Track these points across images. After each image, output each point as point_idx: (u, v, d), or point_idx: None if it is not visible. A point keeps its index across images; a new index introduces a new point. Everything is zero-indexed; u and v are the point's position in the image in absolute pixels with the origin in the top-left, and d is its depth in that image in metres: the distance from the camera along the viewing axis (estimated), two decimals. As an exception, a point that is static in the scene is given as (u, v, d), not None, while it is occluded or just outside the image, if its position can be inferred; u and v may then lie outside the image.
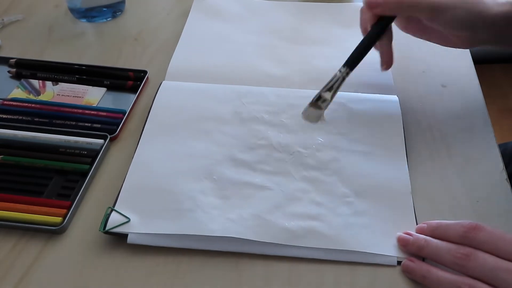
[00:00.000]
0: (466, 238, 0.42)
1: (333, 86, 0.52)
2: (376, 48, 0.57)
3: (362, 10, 0.56)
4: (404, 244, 0.45)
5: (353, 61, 0.53)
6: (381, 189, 0.50)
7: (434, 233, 0.44)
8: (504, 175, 0.52)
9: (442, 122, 0.57)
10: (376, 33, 0.54)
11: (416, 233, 0.45)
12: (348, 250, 0.45)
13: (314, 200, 0.48)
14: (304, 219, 0.47)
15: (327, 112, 0.54)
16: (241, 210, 0.47)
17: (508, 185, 0.51)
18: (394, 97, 0.59)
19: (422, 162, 0.53)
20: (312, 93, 0.59)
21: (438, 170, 0.52)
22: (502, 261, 0.40)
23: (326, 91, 0.52)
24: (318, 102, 0.53)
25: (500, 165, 0.53)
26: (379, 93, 0.60)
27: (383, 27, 0.54)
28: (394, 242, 0.45)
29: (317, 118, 0.54)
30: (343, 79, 0.52)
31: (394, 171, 0.51)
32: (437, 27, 0.53)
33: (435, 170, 0.52)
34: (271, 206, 0.48)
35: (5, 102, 0.58)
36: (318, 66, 0.65)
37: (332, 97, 0.52)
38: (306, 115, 0.53)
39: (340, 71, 0.52)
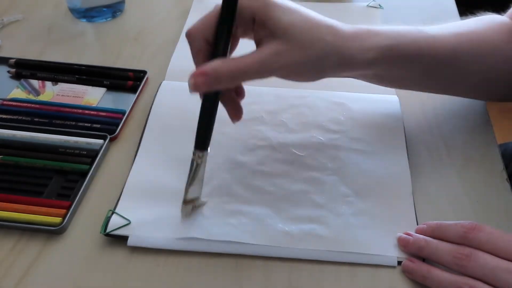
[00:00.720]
0: (466, 239, 0.42)
1: (194, 177, 0.46)
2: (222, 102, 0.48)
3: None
4: (404, 245, 0.44)
5: (202, 142, 0.45)
6: (382, 189, 0.50)
7: (434, 233, 0.44)
8: (504, 175, 0.52)
9: (442, 122, 0.57)
10: (212, 105, 0.45)
11: (416, 233, 0.45)
12: (348, 251, 0.44)
13: (314, 202, 0.48)
14: (304, 222, 0.47)
15: (327, 115, 0.54)
16: (240, 214, 0.47)
17: (508, 185, 0.51)
18: (394, 97, 0.59)
19: (422, 162, 0.53)
20: (312, 93, 0.60)
21: (438, 170, 0.52)
22: (503, 261, 0.40)
23: (190, 187, 0.46)
24: (191, 203, 0.46)
25: (500, 165, 0.52)
26: (379, 93, 0.60)
27: (215, 97, 0.46)
28: (394, 242, 0.45)
29: (191, 211, 0.47)
30: (200, 163, 0.45)
31: (394, 170, 0.51)
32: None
33: (435, 170, 0.52)
34: (271, 209, 0.47)
35: (4, 102, 0.58)
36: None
37: (200, 185, 0.46)
38: (186, 214, 0.47)
39: (194, 155, 0.45)
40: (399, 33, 0.49)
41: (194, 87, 0.43)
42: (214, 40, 0.44)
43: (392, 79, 0.53)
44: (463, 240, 0.42)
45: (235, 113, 0.49)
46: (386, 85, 0.56)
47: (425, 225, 0.45)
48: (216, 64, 0.43)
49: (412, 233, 0.45)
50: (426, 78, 0.53)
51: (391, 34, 0.49)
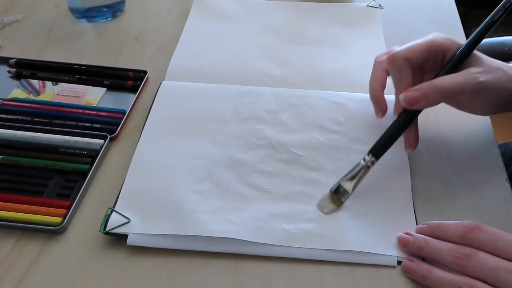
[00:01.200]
0: (466, 238, 0.42)
1: (356, 175, 0.48)
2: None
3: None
4: (404, 244, 0.45)
5: (379, 150, 0.48)
6: (381, 189, 0.50)
7: (434, 233, 0.44)
8: (504, 175, 0.52)
9: (442, 122, 0.57)
10: (407, 121, 0.50)
11: (416, 233, 0.45)
12: (348, 251, 0.45)
13: (314, 202, 0.48)
14: (304, 221, 0.47)
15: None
16: (241, 212, 0.47)
17: (508, 185, 0.51)
18: (394, 97, 0.59)
19: (422, 162, 0.53)
20: (312, 93, 0.60)
21: (438, 170, 0.52)
22: (503, 261, 0.40)
23: (347, 180, 0.48)
24: (338, 194, 0.48)
25: (500, 165, 0.53)
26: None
27: (413, 116, 0.50)
28: (394, 242, 0.45)
29: (332, 212, 0.48)
30: (368, 168, 0.48)
31: (394, 170, 0.51)
32: (477, 106, 0.51)
33: (435, 170, 0.52)
34: (271, 208, 0.48)
35: (5, 102, 0.58)
36: (318, 66, 0.65)
37: (353, 188, 0.48)
38: (322, 206, 0.48)
39: (364, 159, 0.48)
40: None
41: (405, 100, 0.48)
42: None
43: None
44: (463, 240, 0.42)
45: (412, 143, 0.51)
46: None
47: (425, 225, 0.45)
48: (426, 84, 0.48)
49: (412, 232, 0.45)
50: None
51: None
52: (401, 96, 0.48)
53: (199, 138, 0.54)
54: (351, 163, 0.51)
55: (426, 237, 0.44)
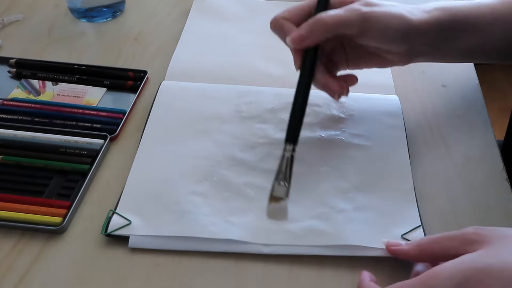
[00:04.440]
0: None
1: (285, 171, 0.45)
2: (316, 86, 0.51)
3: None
4: None
5: (292, 135, 0.46)
6: (383, 184, 0.50)
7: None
8: (504, 175, 0.52)
9: (442, 122, 0.57)
10: (307, 83, 0.48)
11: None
12: (348, 245, 0.44)
13: (315, 198, 0.48)
14: (305, 219, 0.47)
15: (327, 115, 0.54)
16: (241, 212, 0.47)
17: (508, 185, 0.51)
18: (395, 97, 0.59)
19: (422, 162, 0.53)
20: (312, 92, 0.59)
21: (438, 170, 0.52)
22: None
23: (279, 179, 0.45)
24: (277, 195, 0.45)
25: (500, 165, 0.53)
26: (379, 93, 0.60)
27: (311, 69, 0.49)
28: (396, 235, 0.45)
29: (284, 213, 0.45)
30: (293, 157, 0.46)
31: (396, 165, 0.51)
32: (371, 42, 0.50)
33: (435, 170, 0.52)
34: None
35: (5, 102, 0.58)
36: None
37: (289, 182, 0.45)
38: (273, 215, 0.45)
39: (285, 150, 0.46)
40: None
41: (292, 41, 0.48)
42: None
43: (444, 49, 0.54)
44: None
45: (336, 88, 0.51)
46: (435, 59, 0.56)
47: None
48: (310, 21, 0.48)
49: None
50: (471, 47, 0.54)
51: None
52: (288, 38, 0.48)
53: (199, 138, 0.54)
54: (352, 159, 0.51)
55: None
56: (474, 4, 0.53)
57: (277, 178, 0.45)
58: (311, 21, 0.48)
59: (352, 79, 0.54)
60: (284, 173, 0.45)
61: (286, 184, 0.45)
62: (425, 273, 0.38)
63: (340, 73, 0.55)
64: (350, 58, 0.54)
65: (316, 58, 0.49)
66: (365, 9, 0.48)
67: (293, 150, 0.46)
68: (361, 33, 0.49)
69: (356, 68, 0.55)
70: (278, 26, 0.51)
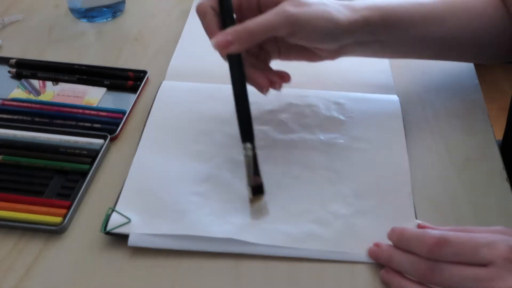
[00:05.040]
0: (431, 255, 0.40)
1: (253, 168, 0.46)
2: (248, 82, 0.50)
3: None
4: (374, 257, 0.44)
5: (248, 132, 0.47)
6: (382, 189, 0.50)
7: (399, 243, 0.43)
8: (504, 175, 0.52)
9: (442, 122, 0.57)
10: (240, 83, 0.48)
11: (388, 238, 0.44)
12: (348, 251, 0.45)
13: (315, 202, 0.48)
14: (304, 223, 0.47)
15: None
16: (240, 213, 0.47)
17: (508, 185, 0.51)
18: (394, 97, 0.59)
19: (422, 162, 0.53)
20: (312, 92, 0.60)
21: (438, 170, 0.52)
22: (469, 269, 0.38)
23: (251, 179, 0.46)
24: (254, 195, 0.46)
25: (500, 165, 0.53)
26: (379, 93, 0.60)
27: (240, 70, 0.48)
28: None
29: (266, 209, 0.46)
30: (255, 154, 0.46)
31: (394, 170, 0.51)
32: (300, 42, 0.50)
33: (435, 170, 0.52)
34: (270, 209, 0.47)
35: (5, 102, 0.58)
36: (318, 66, 0.64)
37: (261, 177, 0.46)
38: (256, 215, 0.46)
39: (245, 149, 0.46)
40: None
41: (217, 45, 0.47)
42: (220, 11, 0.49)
43: (395, 46, 0.55)
44: (429, 256, 0.40)
45: (262, 83, 0.51)
46: (393, 54, 0.57)
47: (391, 231, 0.44)
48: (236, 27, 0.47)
49: (381, 243, 0.44)
50: (417, 43, 0.55)
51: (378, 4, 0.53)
52: (213, 41, 0.47)
53: (199, 138, 0.54)
54: (351, 163, 0.52)
55: (392, 250, 0.43)
56: (410, 3, 0.54)
57: (248, 180, 0.46)
58: (240, 28, 0.47)
59: (286, 77, 0.53)
60: (253, 173, 0.46)
61: (259, 182, 0.46)
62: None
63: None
64: (282, 51, 0.54)
65: (241, 58, 0.48)
66: (293, 10, 0.47)
67: (253, 147, 0.46)
68: (290, 34, 0.49)
69: (287, 60, 0.55)
70: (202, 13, 0.50)
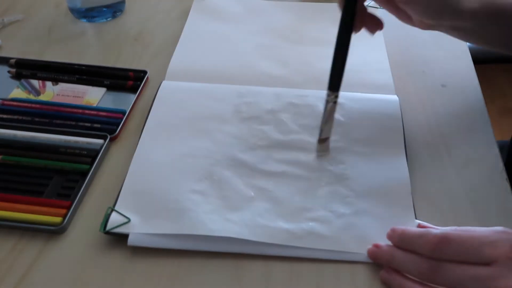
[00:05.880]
0: (434, 254, 0.40)
1: (327, 116, 0.51)
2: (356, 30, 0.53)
3: None
4: (373, 258, 0.44)
5: (334, 83, 0.50)
6: (381, 189, 0.50)
7: (400, 243, 0.43)
8: (504, 175, 0.52)
9: (442, 122, 0.57)
10: (346, 36, 0.50)
11: (387, 238, 0.44)
12: (348, 251, 0.45)
13: (314, 201, 0.48)
14: (304, 221, 0.47)
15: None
16: (241, 211, 0.47)
17: (508, 185, 0.51)
18: (394, 97, 0.59)
19: (422, 162, 0.53)
20: (312, 92, 0.60)
21: (438, 170, 0.52)
22: (471, 269, 0.39)
23: (324, 123, 0.51)
24: (323, 137, 0.52)
25: (500, 165, 0.53)
26: (379, 93, 0.60)
27: (351, 20, 0.50)
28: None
29: (328, 149, 0.53)
30: (335, 103, 0.51)
31: (394, 171, 0.51)
32: (409, 10, 0.51)
33: (435, 170, 0.52)
34: (271, 207, 0.48)
35: (5, 102, 0.58)
36: (318, 66, 0.65)
37: (331, 125, 0.52)
38: (321, 153, 0.52)
39: (328, 96, 0.51)
40: None
41: None
42: None
43: (488, 37, 0.54)
44: (431, 254, 0.40)
45: (374, 25, 0.53)
46: (478, 43, 0.56)
47: (391, 231, 0.44)
48: None
49: (380, 244, 0.44)
50: None
51: None
52: None
53: (199, 138, 0.54)
54: (350, 163, 0.52)
55: (393, 250, 0.43)
56: None
57: (322, 123, 0.51)
58: None
59: (380, 25, 0.54)
60: (327, 119, 0.51)
61: (330, 128, 0.52)
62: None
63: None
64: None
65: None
66: None
67: (336, 97, 0.50)
68: (405, 2, 0.49)
69: (379, 3, 0.55)
70: None
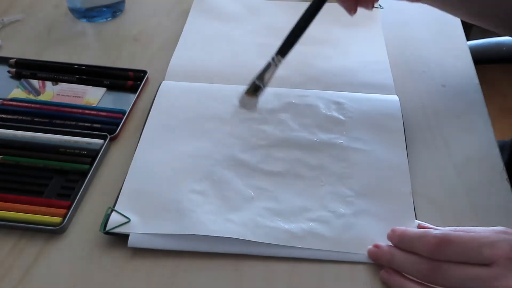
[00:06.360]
0: (434, 255, 0.40)
1: (266, 75, 0.52)
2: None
3: None
4: (374, 258, 0.44)
5: (284, 49, 0.52)
6: (381, 189, 0.50)
7: (400, 244, 0.43)
8: (504, 175, 0.52)
9: (442, 122, 0.57)
10: (313, 10, 0.52)
11: (388, 239, 0.44)
12: (348, 252, 0.45)
13: (315, 201, 0.48)
14: (304, 221, 0.47)
15: (328, 115, 0.54)
16: (241, 211, 0.47)
17: (508, 185, 0.51)
18: (394, 97, 0.59)
19: (422, 162, 0.53)
20: (312, 92, 0.60)
21: (438, 170, 0.52)
22: (471, 269, 0.39)
23: (259, 79, 0.52)
24: (253, 91, 0.52)
25: (500, 165, 0.53)
26: (379, 93, 0.60)
27: (318, 7, 0.52)
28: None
29: (254, 106, 0.53)
30: (276, 66, 0.52)
31: (394, 170, 0.51)
32: None
33: (435, 170, 0.52)
34: (271, 208, 0.48)
35: (5, 102, 0.58)
36: (318, 66, 0.65)
37: (265, 85, 0.52)
38: (243, 104, 0.53)
39: (273, 59, 0.52)
40: None
41: None
42: None
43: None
44: (431, 255, 0.40)
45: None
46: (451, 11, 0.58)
47: (391, 232, 0.44)
48: None
49: (380, 244, 0.44)
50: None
51: None
52: None
53: (199, 138, 0.54)
54: (351, 162, 0.52)
55: (393, 250, 0.43)
56: None
57: (257, 78, 0.52)
58: None
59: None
60: (263, 77, 0.52)
61: (262, 86, 0.52)
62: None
63: None
64: None
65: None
66: None
67: (278, 62, 0.51)
68: None
69: None
70: None
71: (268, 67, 0.52)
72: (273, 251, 0.45)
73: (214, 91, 0.60)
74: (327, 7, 0.75)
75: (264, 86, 0.52)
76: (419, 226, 0.46)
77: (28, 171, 0.51)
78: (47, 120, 0.56)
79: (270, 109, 0.57)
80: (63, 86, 0.61)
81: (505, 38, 0.88)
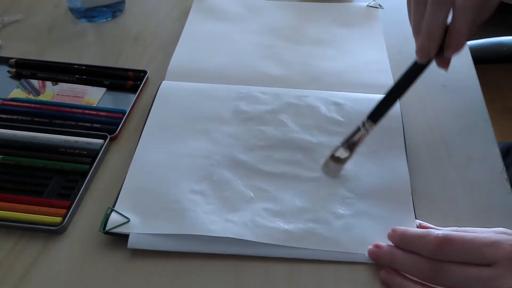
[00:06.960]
0: (435, 255, 0.40)
1: (354, 142, 0.49)
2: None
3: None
4: (374, 258, 0.44)
5: (376, 115, 0.48)
6: (381, 190, 0.50)
7: (401, 244, 0.43)
8: (504, 175, 0.52)
9: (442, 122, 0.57)
10: (412, 75, 0.47)
11: (388, 239, 0.44)
12: (347, 252, 0.44)
13: (315, 202, 0.48)
14: (304, 221, 0.47)
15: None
16: (240, 212, 0.47)
17: (508, 185, 0.51)
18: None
19: (422, 162, 0.53)
20: (312, 93, 0.60)
21: (438, 170, 0.52)
22: (472, 269, 0.39)
23: (346, 147, 0.49)
24: (339, 156, 0.49)
25: (500, 165, 0.53)
26: (379, 93, 0.60)
27: (417, 74, 0.47)
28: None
29: (337, 173, 0.50)
30: (366, 132, 0.49)
31: (394, 171, 0.51)
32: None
33: (435, 170, 0.52)
34: (270, 208, 0.48)
35: (5, 102, 0.58)
36: (318, 66, 0.65)
37: (352, 152, 0.49)
38: (327, 170, 0.50)
39: (363, 124, 0.48)
40: None
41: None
42: None
43: None
44: (433, 255, 0.40)
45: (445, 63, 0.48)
46: None
47: (392, 231, 0.44)
48: None
49: (381, 244, 0.44)
50: None
51: None
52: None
53: (199, 138, 0.54)
54: (351, 164, 0.51)
55: (394, 250, 0.43)
56: None
57: (345, 142, 0.49)
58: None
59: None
60: (352, 142, 0.49)
61: (349, 153, 0.49)
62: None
63: None
64: None
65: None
66: None
67: (371, 128, 0.49)
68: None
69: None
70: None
71: (357, 132, 0.49)
72: (273, 251, 0.45)
73: (214, 91, 0.60)
74: (327, 7, 0.76)
75: (352, 153, 0.49)
76: (420, 226, 0.46)
77: (28, 171, 0.51)
78: (47, 120, 0.56)
79: (270, 110, 0.57)
80: (63, 86, 0.61)
81: (505, 38, 0.88)
